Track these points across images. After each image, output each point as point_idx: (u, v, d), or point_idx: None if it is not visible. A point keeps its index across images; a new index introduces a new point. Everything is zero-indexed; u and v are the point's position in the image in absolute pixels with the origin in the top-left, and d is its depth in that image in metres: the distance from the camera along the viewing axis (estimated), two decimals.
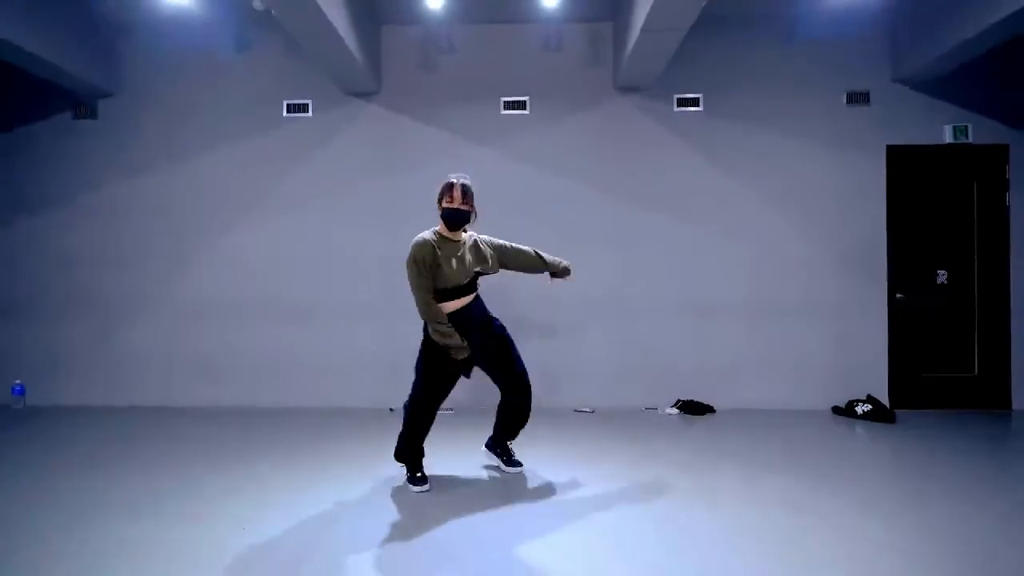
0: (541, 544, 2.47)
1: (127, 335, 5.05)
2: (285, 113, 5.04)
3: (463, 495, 3.04)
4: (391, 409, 4.86)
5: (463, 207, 3.04)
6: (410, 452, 3.17)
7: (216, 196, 5.05)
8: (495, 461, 3.46)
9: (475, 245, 3.16)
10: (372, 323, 4.99)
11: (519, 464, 3.36)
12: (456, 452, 3.74)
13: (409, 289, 3.01)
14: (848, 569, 2.26)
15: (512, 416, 3.31)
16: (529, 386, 3.25)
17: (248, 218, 5.04)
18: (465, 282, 3.04)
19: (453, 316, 3.02)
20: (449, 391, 3.14)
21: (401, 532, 2.60)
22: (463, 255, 3.06)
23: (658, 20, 3.77)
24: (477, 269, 3.10)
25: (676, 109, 4.94)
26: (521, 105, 4.98)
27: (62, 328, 5.06)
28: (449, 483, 3.21)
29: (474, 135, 4.97)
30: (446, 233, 3.07)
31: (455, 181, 3.06)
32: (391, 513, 2.81)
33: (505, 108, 4.99)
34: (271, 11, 3.74)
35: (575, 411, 4.71)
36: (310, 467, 3.48)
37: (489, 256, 3.16)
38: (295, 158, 5.04)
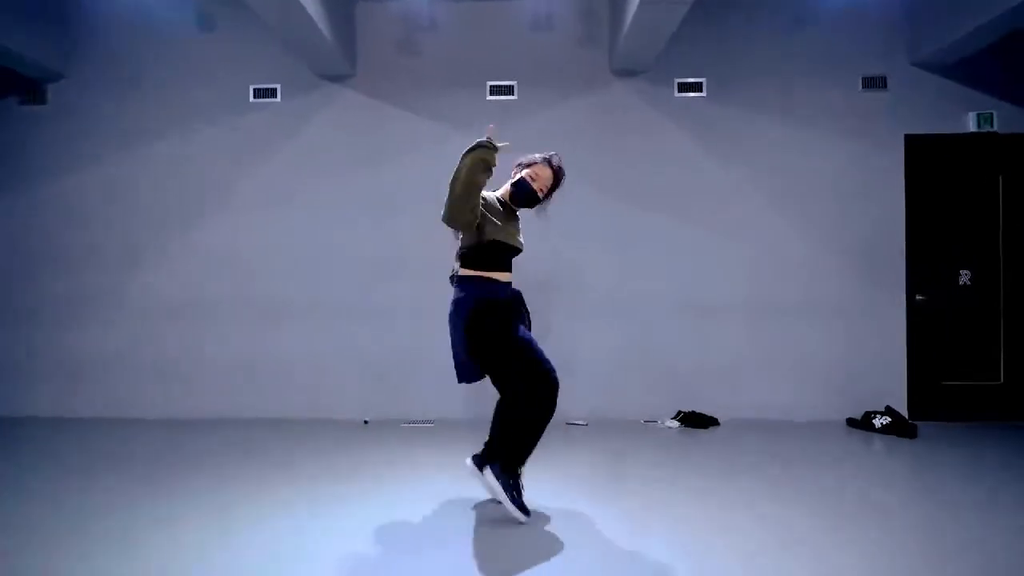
0: None
1: (79, 338, 4.63)
2: (252, 98, 4.63)
3: (443, 517, 2.63)
4: (366, 422, 4.46)
5: (540, 191, 2.65)
6: (516, 462, 2.62)
7: (177, 187, 4.64)
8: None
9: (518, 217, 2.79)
10: (348, 329, 4.58)
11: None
12: (438, 468, 3.32)
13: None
14: None
15: (530, 416, 2.80)
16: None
17: (213, 211, 4.63)
18: (517, 248, 2.67)
19: (500, 290, 2.61)
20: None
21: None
22: (516, 223, 2.73)
23: None
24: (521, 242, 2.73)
25: (677, 94, 4.55)
26: (509, 90, 4.58)
27: (6, 331, 4.63)
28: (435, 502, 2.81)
29: (458, 122, 4.57)
30: (506, 200, 2.70)
31: (554, 160, 2.67)
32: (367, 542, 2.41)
33: (491, 93, 4.59)
34: None
35: (567, 424, 4.32)
36: (272, 487, 3.06)
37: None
38: (263, 147, 4.63)
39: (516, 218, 2.74)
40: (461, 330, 2.54)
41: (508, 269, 2.67)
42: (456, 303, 2.58)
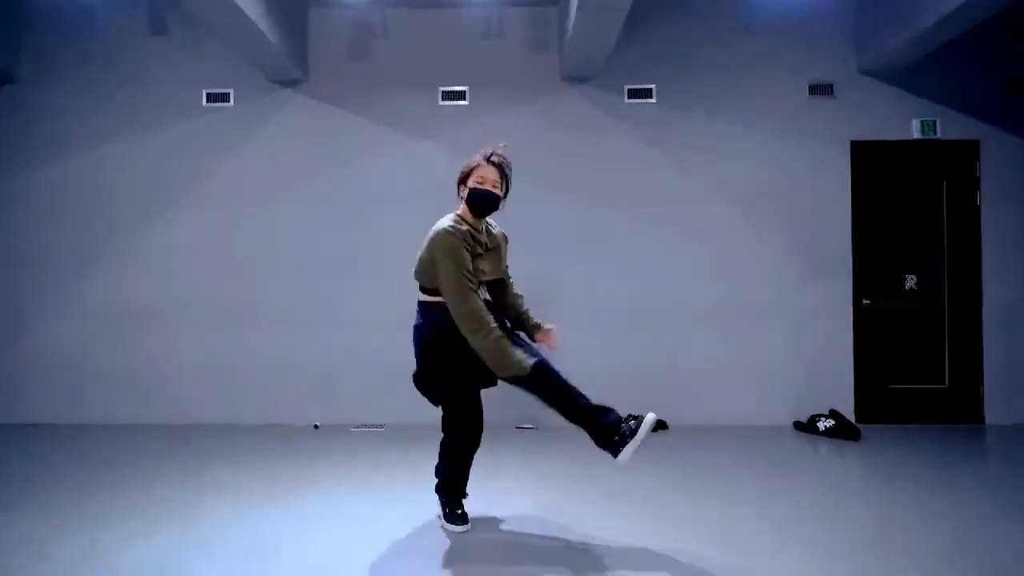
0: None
1: (29, 344, 4.60)
2: (205, 102, 4.64)
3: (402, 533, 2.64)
4: (316, 426, 4.46)
5: (495, 191, 2.47)
6: (452, 484, 2.63)
7: (130, 191, 4.64)
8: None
9: (504, 242, 2.68)
10: (300, 332, 4.58)
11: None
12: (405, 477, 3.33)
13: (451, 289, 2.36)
14: None
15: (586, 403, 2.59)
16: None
17: (166, 215, 4.63)
18: (496, 277, 2.58)
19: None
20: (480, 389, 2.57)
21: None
22: (497, 247, 2.60)
23: None
24: (503, 270, 2.65)
25: (627, 100, 4.60)
26: (460, 95, 4.61)
27: None
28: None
29: (410, 128, 4.60)
30: (469, 220, 2.48)
31: (493, 157, 2.49)
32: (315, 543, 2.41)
33: (443, 99, 4.62)
34: None
35: (517, 428, 4.34)
36: (223, 489, 3.06)
37: (498, 249, 2.63)
38: (217, 151, 4.64)
39: (487, 244, 2.55)
40: (416, 355, 2.52)
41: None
42: (415, 329, 2.53)
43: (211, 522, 2.69)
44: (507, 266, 2.70)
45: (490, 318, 2.33)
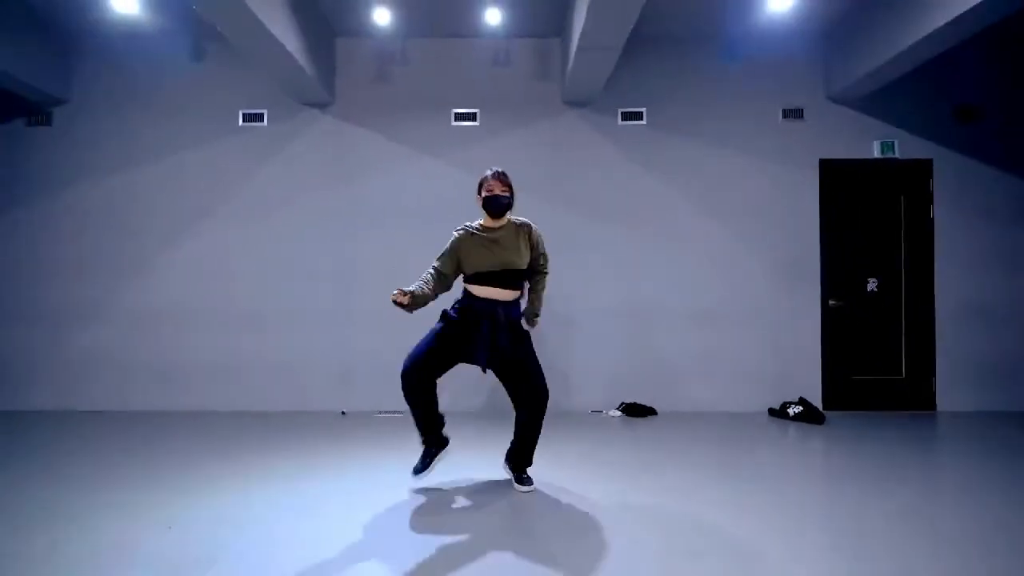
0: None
1: (77, 342, 5.09)
2: (241, 122, 5.13)
3: (433, 505, 3.17)
4: (343, 412, 4.98)
5: (502, 193, 3.03)
6: (417, 427, 3.15)
7: (171, 203, 5.12)
8: (508, 475, 3.27)
9: (520, 234, 3.10)
10: (325, 330, 5.10)
11: (529, 482, 3.17)
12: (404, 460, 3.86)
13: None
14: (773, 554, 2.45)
15: (520, 433, 3.15)
16: (542, 402, 3.09)
17: (203, 225, 5.12)
18: (494, 270, 3.01)
19: (474, 301, 3.03)
20: (440, 369, 3.06)
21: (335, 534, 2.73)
22: (499, 241, 3.04)
23: (590, 40, 3.96)
24: (511, 261, 3.03)
25: (620, 122, 5.14)
26: (472, 117, 5.14)
27: (14, 333, 5.09)
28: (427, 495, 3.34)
29: (426, 146, 5.12)
30: (488, 223, 3.07)
31: (490, 171, 3.09)
32: (332, 518, 2.93)
33: (456, 120, 5.14)
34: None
35: None
36: (259, 467, 3.58)
37: (525, 253, 3.10)
38: (251, 167, 5.13)
39: (497, 228, 3.06)
40: (511, 338, 3.07)
41: (490, 284, 3.01)
42: (511, 311, 3.11)
43: (277, 484, 3.21)
44: (541, 254, 3.18)
45: (413, 287, 2.95)
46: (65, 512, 2.89)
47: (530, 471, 3.24)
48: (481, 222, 3.09)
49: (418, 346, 3.05)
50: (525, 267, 3.11)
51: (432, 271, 3.04)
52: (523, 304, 3.23)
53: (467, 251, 3.04)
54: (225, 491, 3.17)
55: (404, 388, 3.04)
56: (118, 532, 2.66)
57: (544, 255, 3.21)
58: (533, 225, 3.16)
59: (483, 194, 3.06)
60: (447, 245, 3.07)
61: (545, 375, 3.10)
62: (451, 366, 3.08)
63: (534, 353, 3.12)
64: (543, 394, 3.08)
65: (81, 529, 2.70)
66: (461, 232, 3.07)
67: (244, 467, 3.59)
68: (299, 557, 2.40)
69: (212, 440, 4.20)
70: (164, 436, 4.30)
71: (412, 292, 2.91)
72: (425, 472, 3.14)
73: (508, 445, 3.26)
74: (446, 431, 3.24)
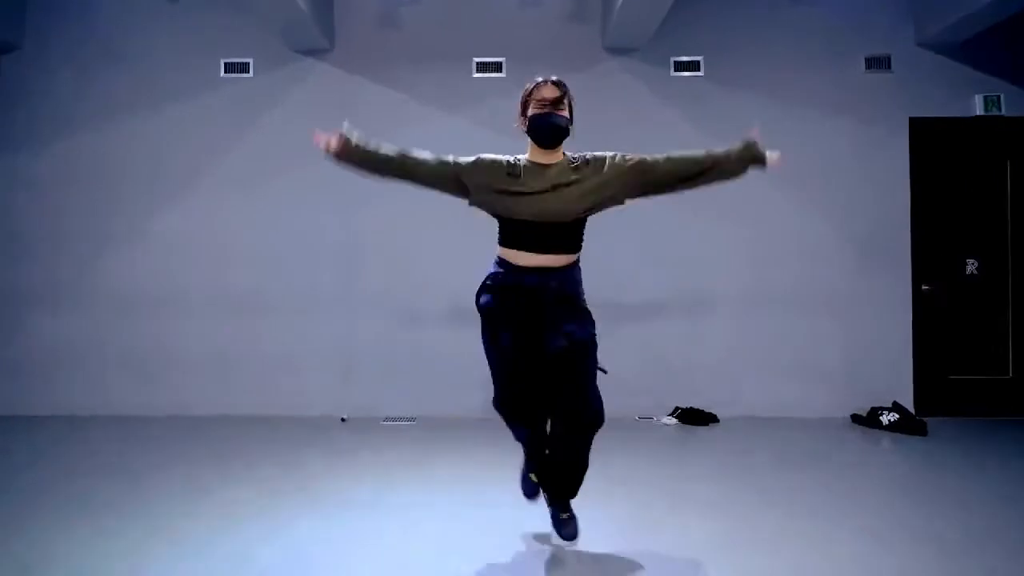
0: None
1: (40, 331, 4.31)
2: (223, 73, 4.36)
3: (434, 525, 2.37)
4: (343, 419, 4.18)
5: (559, 113, 2.10)
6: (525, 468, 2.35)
7: (143, 169, 4.35)
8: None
9: (589, 165, 2.17)
10: (325, 317, 4.31)
11: (570, 527, 2.22)
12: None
13: None
14: None
15: (556, 459, 2.19)
16: (591, 425, 2.11)
17: (181, 194, 4.35)
18: (561, 220, 2.08)
19: (516, 272, 2.08)
20: (531, 376, 2.13)
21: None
22: (565, 181, 2.10)
23: None
24: (589, 204, 2.13)
25: (673, 73, 4.36)
26: (496, 67, 4.36)
27: None
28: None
29: (443, 101, 4.34)
30: (538, 157, 2.12)
31: (540, 77, 2.17)
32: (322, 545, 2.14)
33: (478, 71, 4.37)
34: None
35: None
36: (247, 485, 2.78)
37: (614, 178, 2.17)
38: (235, 125, 4.36)
39: (551, 165, 2.13)
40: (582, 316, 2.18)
41: (534, 249, 2.07)
42: (573, 279, 2.20)
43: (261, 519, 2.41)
44: (624, 175, 2.22)
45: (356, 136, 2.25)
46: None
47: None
48: (528, 156, 2.13)
49: (499, 365, 2.16)
50: (620, 199, 2.21)
51: (406, 150, 2.20)
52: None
53: (503, 192, 2.07)
54: (214, 525, 2.37)
55: (515, 432, 2.29)
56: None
57: (646, 157, 2.27)
58: (593, 153, 2.22)
59: (530, 112, 2.11)
60: (463, 161, 2.15)
61: None
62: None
63: (595, 353, 2.15)
64: (594, 415, 2.10)
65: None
66: (493, 158, 2.13)
67: (234, 493, 2.79)
68: None
69: (196, 453, 3.42)
70: (142, 445, 3.51)
71: (354, 142, 2.17)
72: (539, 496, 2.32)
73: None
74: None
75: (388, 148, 2.20)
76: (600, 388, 2.11)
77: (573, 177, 2.11)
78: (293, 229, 4.33)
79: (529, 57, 4.34)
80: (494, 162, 2.12)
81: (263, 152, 4.34)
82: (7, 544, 2.19)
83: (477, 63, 4.36)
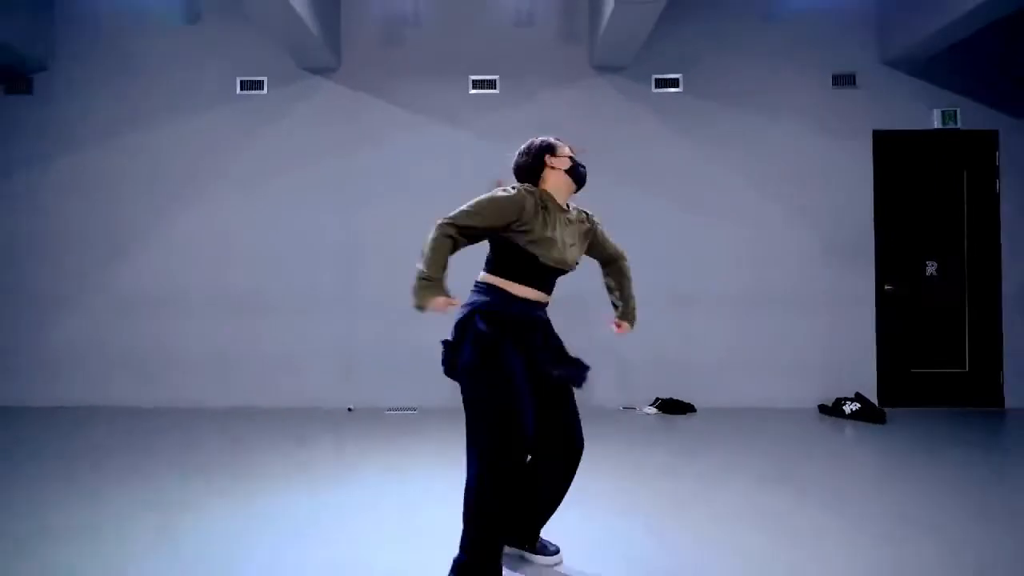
0: None
1: (61, 329, 4.65)
2: (239, 90, 4.70)
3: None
4: (349, 409, 4.52)
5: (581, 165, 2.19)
6: (479, 560, 1.88)
7: (160, 178, 4.69)
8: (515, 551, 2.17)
9: (582, 220, 2.27)
10: (328, 317, 4.64)
11: (553, 551, 2.14)
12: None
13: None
14: None
15: (547, 496, 2.10)
16: (583, 446, 2.11)
17: (195, 202, 4.68)
18: (571, 266, 2.14)
19: (520, 303, 2.03)
20: (531, 414, 1.95)
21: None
22: (575, 230, 2.19)
23: None
24: (574, 258, 2.17)
25: (655, 90, 4.69)
26: (491, 84, 4.69)
27: None
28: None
29: (441, 115, 4.67)
30: (560, 199, 2.17)
31: (552, 137, 2.28)
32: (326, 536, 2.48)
33: (474, 87, 4.70)
34: None
35: None
36: (249, 473, 3.13)
37: (584, 237, 2.27)
38: (249, 139, 4.69)
39: (565, 212, 2.19)
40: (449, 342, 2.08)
41: (538, 287, 2.06)
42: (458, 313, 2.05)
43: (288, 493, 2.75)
44: (606, 236, 2.44)
45: (433, 271, 1.99)
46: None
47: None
48: (543, 197, 2.10)
49: (489, 423, 1.90)
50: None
51: (447, 237, 1.96)
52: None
53: (541, 227, 2.00)
54: (230, 502, 2.72)
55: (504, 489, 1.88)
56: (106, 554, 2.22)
57: (606, 237, 2.44)
58: (598, 221, 2.37)
59: (570, 160, 2.21)
60: (507, 200, 1.98)
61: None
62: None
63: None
64: (580, 440, 2.10)
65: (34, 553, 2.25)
66: (529, 191, 2.05)
67: (249, 472, 3.13)
68: None
69: (210, 441, 3.75)
70: (152, 435, 3.85)
71: (441, 280, 1.98)
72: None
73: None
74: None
75: (441, 255, 1.99)
76: (586, 382, 2.13)
77: (585, 228, 2.26)
78: (297, 232, 4.65)
79: (521, 75, 4.70)
80: (530, 196, 2.04)
81: (275, 161, 4.67)
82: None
83: (473, 80, 4.69)
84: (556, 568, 2.09)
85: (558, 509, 2.13)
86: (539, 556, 2.12)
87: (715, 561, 2.13)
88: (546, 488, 2.08)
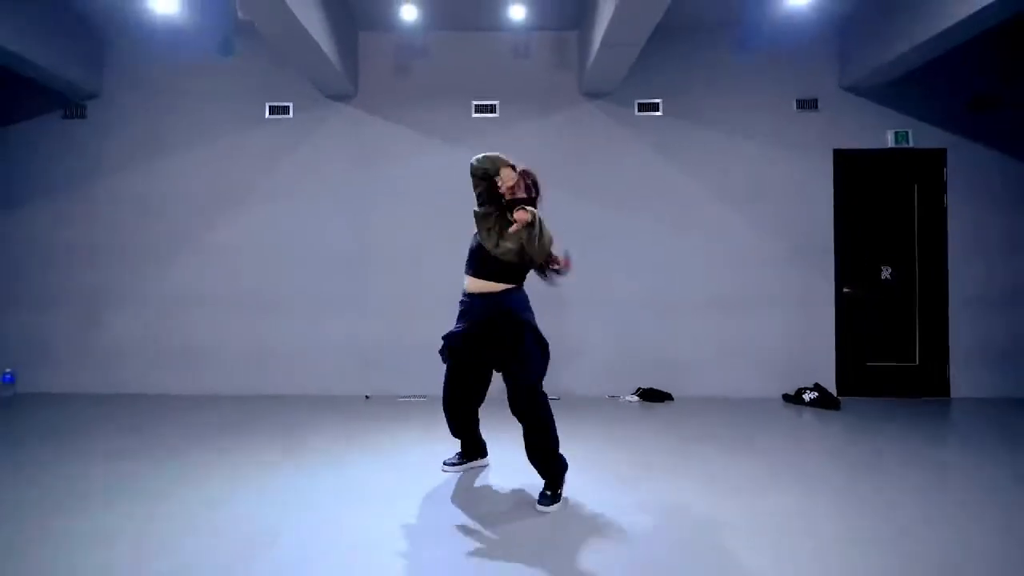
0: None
1: (114, 326, 5.27)
2: (267, 115, 5.28)
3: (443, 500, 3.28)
4: (367, 397, 5.12)
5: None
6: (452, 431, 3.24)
7: (198, 194, 5.28)
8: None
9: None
10: (349, 316, 5.23)
11: (546, 502, 2.78)
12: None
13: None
14: (783, 542, 2.55)
15: (527, 448, 2.88)
16: (531, 408, 2.78)
17: (229, 215, 5.28)
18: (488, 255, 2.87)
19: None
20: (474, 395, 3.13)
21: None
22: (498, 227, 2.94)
23: (615, 36, 4.07)
24: (504, 247, 2.84)
25: (637, 113, 5.24)
26: (491, 108, 5.25)
27: (50, 318, 5.27)
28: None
29: (446, 136, 5.25)
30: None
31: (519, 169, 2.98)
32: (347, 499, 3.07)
33: (476, 111, 5.26)
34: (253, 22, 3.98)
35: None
36: (284, 450, 3.73)
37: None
38: (276, 158, 5.28)
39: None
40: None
41: (471, 274, 2.95)
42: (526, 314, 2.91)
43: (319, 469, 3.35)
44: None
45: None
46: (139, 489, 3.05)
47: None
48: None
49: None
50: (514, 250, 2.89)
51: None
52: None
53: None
54: (272, 472, 3.32)
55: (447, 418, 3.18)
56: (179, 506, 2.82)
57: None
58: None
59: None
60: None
61: (561, 359, 2.93)
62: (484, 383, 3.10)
63: (526, 337, 2.82)
64: (530, 391, 2.77)
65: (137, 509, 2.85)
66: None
67: (284, 449, 3.74)
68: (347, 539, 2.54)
69: (243, 422, 4.35)
70: (195, 418, 4.46)
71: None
72: (453, 468, 3.25)
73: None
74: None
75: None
76: (576, 370, 2.89)
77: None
78: (319, 240, 5.23)
79: (519, 100, 5.26)
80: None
81: (295, 180, 5.26)
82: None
83: (476, 105, 5.27)
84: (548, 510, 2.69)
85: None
86: (539, 505, 2.76)
87: (676, 494, 2.71)
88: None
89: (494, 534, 2.48)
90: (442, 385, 3.10)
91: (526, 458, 2.87)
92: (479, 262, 2.91)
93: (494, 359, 2.89)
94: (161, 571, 2.14)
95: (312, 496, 2.87)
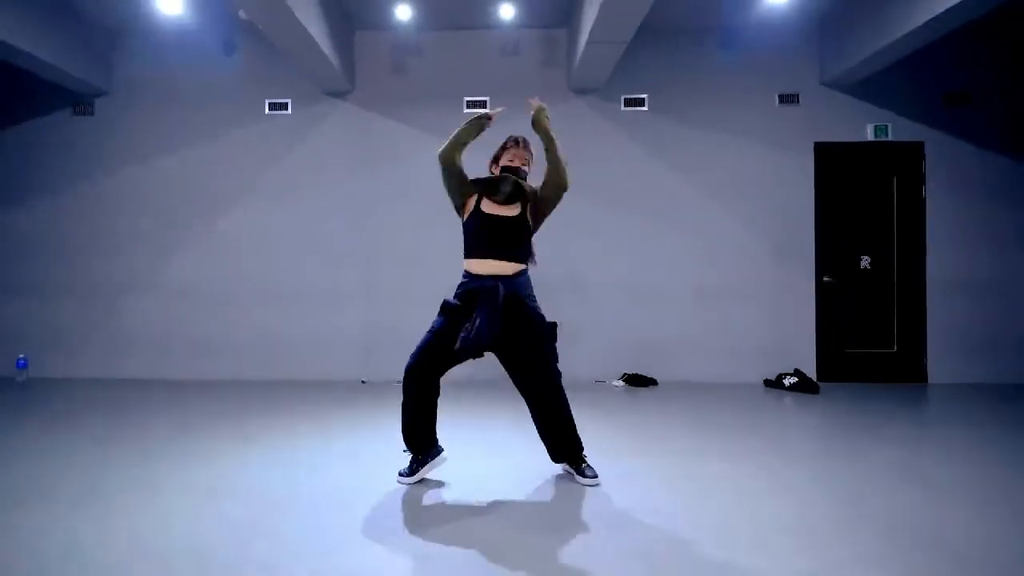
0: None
1: (123, 314, 5.50)
2: (267, 111, 5.49)
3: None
4: (363, 381, 5.33)
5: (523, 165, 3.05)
6: (405, 432, 2.79)
7: (203, 187, 5.50)
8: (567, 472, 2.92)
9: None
10: (348, 306, 5.44)
11: (591, 474, 2.80)
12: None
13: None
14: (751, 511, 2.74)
15: (546, 431, 2.85)
16: (554, 394, 2.82)
17: (232, 208, 5.50)
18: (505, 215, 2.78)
19: (474, 280, 2.73)
20: (445, 366, 2.76)
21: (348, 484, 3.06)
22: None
23: (601, 33, 4.24)
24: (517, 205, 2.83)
25: (623, 108, 5.42)
26: (482, 104, 5.45)
27: (62, 307, 5.50)
28: None
29: (439, 131, 5.38)
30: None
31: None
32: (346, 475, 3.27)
33: (468, 107, 5.46)
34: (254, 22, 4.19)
35: None
36: (289, 430, 3.94)
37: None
38: (276, 153, 5.49)
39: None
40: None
41: (484, 256, 2.76)
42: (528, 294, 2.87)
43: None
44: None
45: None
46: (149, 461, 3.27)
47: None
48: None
49: (419, 345, 2.76)
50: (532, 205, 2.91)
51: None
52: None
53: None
54: (271, 448, 3.53)
55: (405, 385, 2.77)
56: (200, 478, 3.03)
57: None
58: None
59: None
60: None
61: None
62: (456, 362, 2.76)
63: (540, 326, 2.78)
64: (553, 389, 2.80)
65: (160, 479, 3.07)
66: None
67: (286, 429, 3.95)
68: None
69: (250, 406, 4.57)
70: (202, 402, 4.68)
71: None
72: (412, 479, 2.78)
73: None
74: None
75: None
76: (565, 357, 3.03)
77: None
78: (316, 232, 5.44)
79: (509, 96, 5.43)
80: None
81: (297, 172, 5.48)
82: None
83: (467, 101, 5.46)
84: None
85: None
86: (581, 479, 2.83)
87: (658, 468, 2.90)
88: (543, 422, 2.91)
89: (490, 513, 2.64)
90: (417, 346, 2.75)
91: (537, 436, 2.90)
92: (495, 235, 2.78)
93: (514, 359, 2.77)
94: (184, 532, 2.30)
95: (322, 463, 3.08)
